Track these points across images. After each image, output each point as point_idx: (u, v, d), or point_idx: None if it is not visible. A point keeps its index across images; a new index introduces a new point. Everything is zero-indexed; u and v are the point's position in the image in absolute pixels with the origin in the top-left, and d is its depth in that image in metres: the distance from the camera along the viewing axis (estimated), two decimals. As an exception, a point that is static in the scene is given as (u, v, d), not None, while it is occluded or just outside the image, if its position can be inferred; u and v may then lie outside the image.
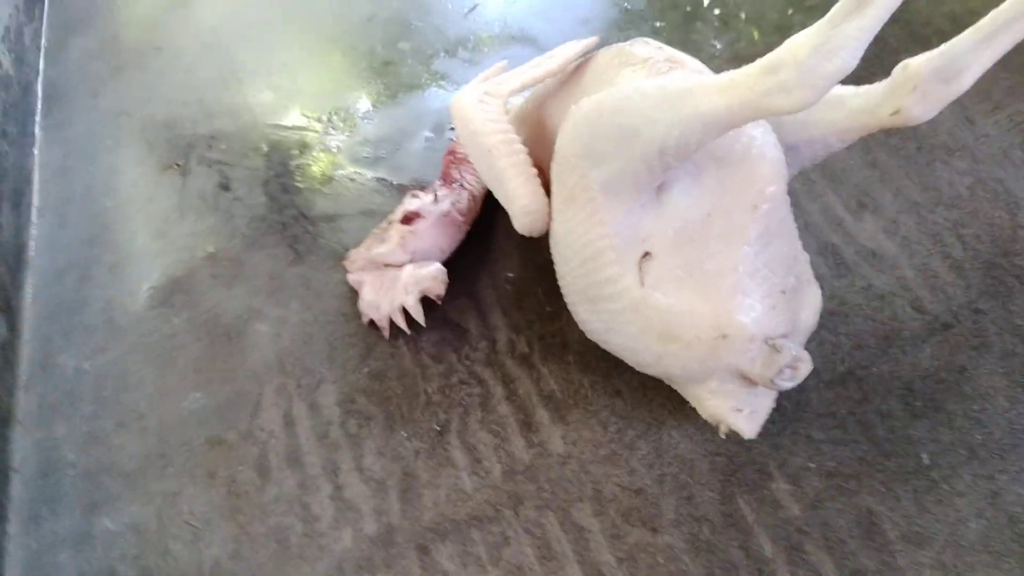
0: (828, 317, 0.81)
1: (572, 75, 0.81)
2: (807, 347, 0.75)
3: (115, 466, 0.85)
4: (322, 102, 1.13)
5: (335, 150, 1.08)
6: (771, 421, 0.73)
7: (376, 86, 1.14)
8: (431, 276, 0.83)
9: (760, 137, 0.65)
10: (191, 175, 1.10)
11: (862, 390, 0.76)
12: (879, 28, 0.49)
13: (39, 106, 1.23)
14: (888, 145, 0.90)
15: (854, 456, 0.73)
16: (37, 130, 1.20)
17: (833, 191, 0.88)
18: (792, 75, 0.52)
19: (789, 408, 0.76)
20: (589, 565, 0.71)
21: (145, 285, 0.98)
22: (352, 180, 1.04)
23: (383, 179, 1.03)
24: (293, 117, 1.13)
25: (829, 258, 0.84)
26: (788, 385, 0.65)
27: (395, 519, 0.76)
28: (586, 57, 0.81)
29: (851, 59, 0.51)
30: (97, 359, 0.94)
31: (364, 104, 1.12)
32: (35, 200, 1.12)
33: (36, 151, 1.17)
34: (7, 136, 1.09)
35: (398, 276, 0.86)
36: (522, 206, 0.76)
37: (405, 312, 0.85)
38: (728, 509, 0.72)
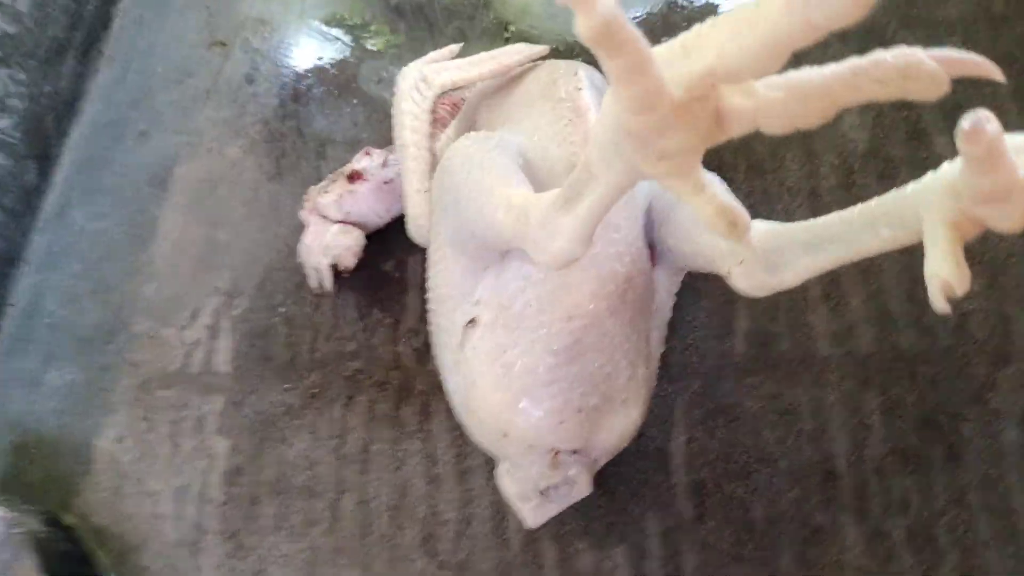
0: (714, 414, 0.76)
1: (509, 84, 0.75)
2: (675, 439, 0.71)
3: (75, 328, 0.98)
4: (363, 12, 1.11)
5: (356, 64, 1.06)
6: (595, 503, 0.70)
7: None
8: (345, 246, 0.85)
9: (599, 246, 0.59)
10: (230, 60, 1.15)
11: (704, 506, 0.73)
12: (596, 221, 0.42)
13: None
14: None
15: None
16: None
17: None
18: (530, 234, 0.47)
19: (618, 497, 0.73)
20: (374, 573, 0.76)
21: (154, 163, 1.07)
22: (357, 104, 1.04)
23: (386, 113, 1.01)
24: (336, 28, 1.11)
25: (753, 348, 0.75)
26: (560, 502, 0.63)
27: (246, 461, 0.84)
28: (529, 65, 0.74)
29: (571, 245, 0.44)
30: (97, 222, 1.06)
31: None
32: (106, 48, 1.21)
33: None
34: None
35: (323, 232, 0.88)
36: (409, 212, 0.74)
37: (320, 272, 0.88)
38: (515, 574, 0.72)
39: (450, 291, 0.67)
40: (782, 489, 0.73)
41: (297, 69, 1.13)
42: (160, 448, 0.90)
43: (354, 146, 1.02)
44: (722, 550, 0.72)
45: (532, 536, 0.75)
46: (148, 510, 0.86)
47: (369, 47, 1.12)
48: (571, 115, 0.66)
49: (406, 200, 0.77)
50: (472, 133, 0.66)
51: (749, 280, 0.51)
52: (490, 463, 0.79)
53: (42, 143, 1.12)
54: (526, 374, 0.61)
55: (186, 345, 0.95)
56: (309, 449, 0.84)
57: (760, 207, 0.84)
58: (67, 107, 1.17)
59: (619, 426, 0.64)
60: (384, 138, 0.97)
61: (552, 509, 0.70)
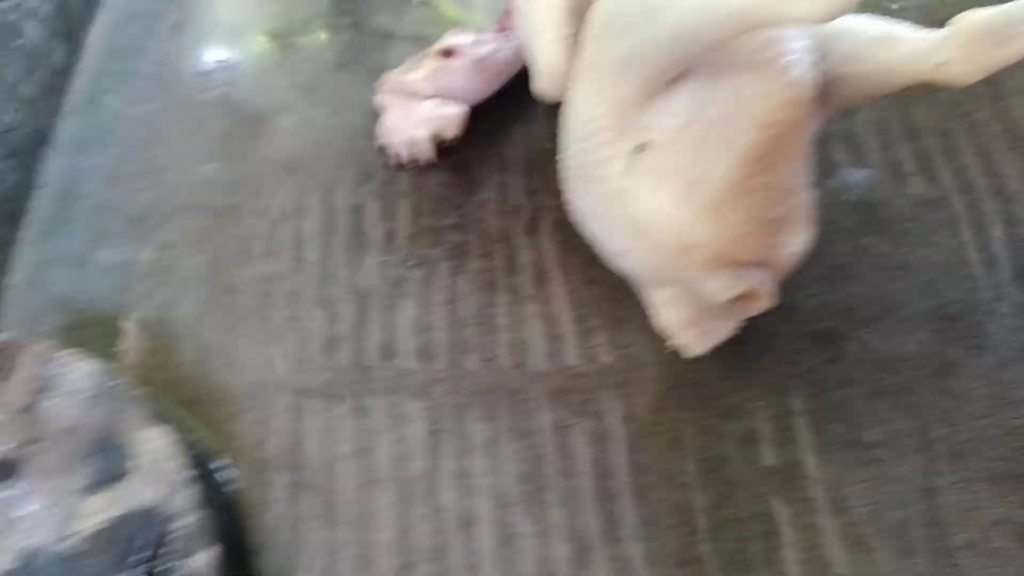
0: (833, 270, 0.78)
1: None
2: (797, 292, 0.73)
3: (125, 208, 0.91)
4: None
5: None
6: (731, 351, 0.74)
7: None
8: (448, 116, 0.84)
9: (793, 53, 0.61)
10: (273, -43, 1.10)
11: (837, 351, 0.75)
12: None
13: None
14: (971, 120, 0.83)
15: (800, 409, 0.72)
16: None
17: (892, 149, 0.82)
18: None
19: (754, 344, 0.75)
20: (501, 426, 0.78)
21: (195, 52, 1.01)
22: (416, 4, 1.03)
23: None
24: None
25: (861, 213, 0.79)
26: (743, 314, 0.64)
27: (349, 329, 0.80)
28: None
29: None
30: (138, 107, 1.01)
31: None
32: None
33: None
34: None
35: (416, 108, 0.86)
36: (543, 63, 0.74)
37: (416, 146, 0.86)
38: (656, 418, 0.75)
39: (609, 121, 0.67)
40: (908, 331, 0.78)
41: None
42: (249, 321, 0.85)
43: (417, 41, 1.02)
44: (861, 384, 0.76)
45: (667, 386, 0.76)
46: (240, 379, 0.81)
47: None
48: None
49: (539, 53, 0.77)
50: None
51: (973, 60, 0.56)
52: (616, 321, 0.80)
53: (69, 24, 1.04)
54: (714, 185, 0.63)
55: (267, 221, 0.91)
56: (420, 315, 0.83)
57: None
58: (90, -7, 1.09)
59: (798, 241, 0.67)
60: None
61: (715, 337, 0.72)
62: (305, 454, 0.78)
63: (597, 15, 0.68)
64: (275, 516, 0.75)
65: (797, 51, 0.62)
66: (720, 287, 0.65)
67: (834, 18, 0.51)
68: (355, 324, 0.84)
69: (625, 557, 0.70)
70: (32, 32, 0.99)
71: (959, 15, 0.56)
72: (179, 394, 0.82)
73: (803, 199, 0.68)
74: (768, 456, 0.73)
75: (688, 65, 0.63)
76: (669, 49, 0.60)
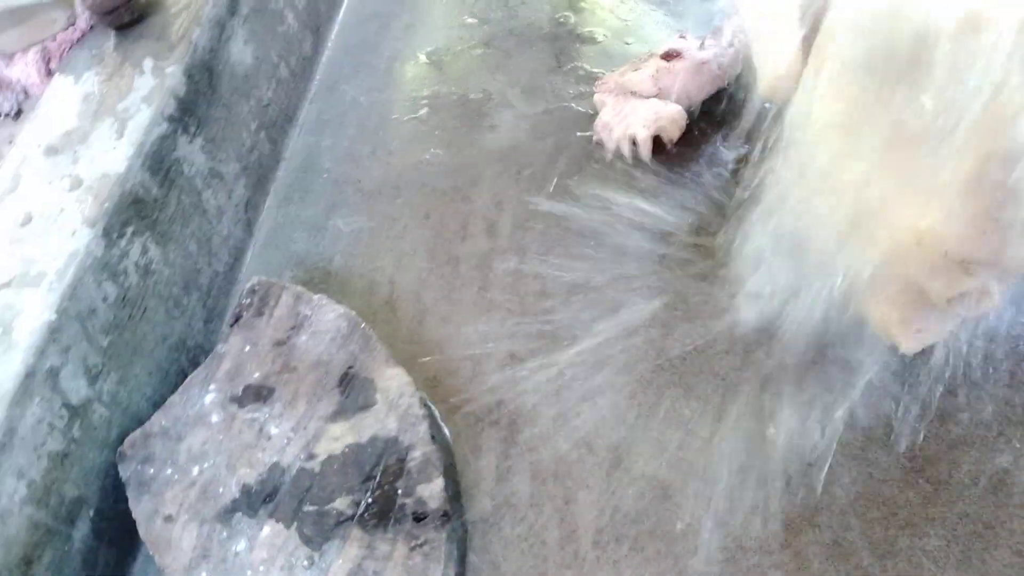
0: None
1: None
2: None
3: (359, 183, 1.01)
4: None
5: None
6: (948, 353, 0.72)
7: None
8: (670, 117, 0.89)
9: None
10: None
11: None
12: None
13: None
14: None
15: (1014, 419, 0.72)
16: None
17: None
18: None
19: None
20: (705, 399, 0.78)
21: (426, 49, 1.11)
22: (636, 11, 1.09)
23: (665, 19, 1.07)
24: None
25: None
26: (965, 313, 0.65)
27: (559, 304, 0.85)
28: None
29: None
30: (371, 96, 1.11)
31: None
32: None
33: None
34: None
35: (639, 106, 0.91)
36: (779, 67, 0.77)
37: (633, 144, 0.90)
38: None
39: (841, 119, 0.69)
40: None
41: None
42: (466, 290, 0.91)
43: (632, 45, 1.07)
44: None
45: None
46: (459, 338, 0.88)
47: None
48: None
49: (774, 57, 0.80)
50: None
51: None
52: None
53: (317, 18, 1.16)
54: (951, 182, 0.63)
55: (484, 204, 0.98)
56: (626, 299, 0.86)
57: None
58: (334, -3, 1.21)
59: (1029, 247, 0.66)
60: (661, 39, 1.02)
61: (929, 337, 0.72)
62: (513, 412, 0.83)
63: (836, 17, 0.71)
64: (486, 465, 0.80)
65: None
66: (947, 284, 0.66)
67: None
68: (563, 299, 0.89)
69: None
70: (292, 21, 1.12)
71: None
72: (401, 349, 0.89)
73: (1039, 199, 0.68)
74: (976, 461, 0.73)
75: (927, 66, 0.65)
76: (911, 49, 0.62)
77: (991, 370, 0.77)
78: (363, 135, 1.08)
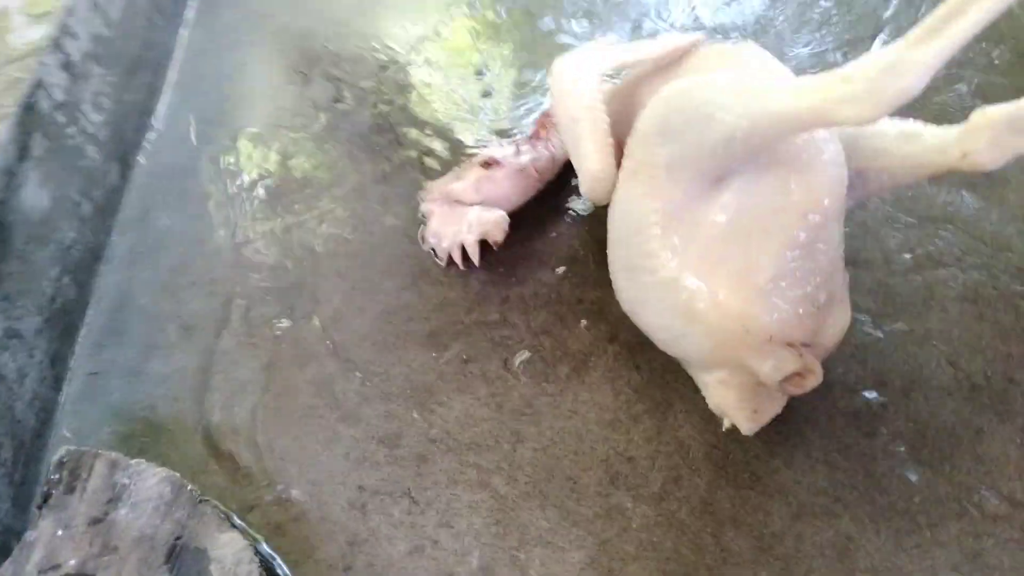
0: (860, 347, 0.83)
1: (672, 63, 0.84)
2: (833, 369, 0.77)
3: (179, 318, 0.94)
4: (451, 52, 1.19)
5: (452, 93, 1.13)
6: (776, 429, 0.76)
7: (513, 38, 1.19)
8: (494, 222, 0.89)
9: (828, 151, 0.67)
10: (311, 84, 1.19)
11: (872, 424, 0.78)
12: (947, 58, 0.51)
13: (196, -8, 1.34)
14: (977, 191, 0.90)
15: (847, 483, 0.75)
16: (190, 13, 1.31)
17: (903, 233, 0.88)
18: (861, 88, 0.55)
19: (797, 421, 0.78)
20: (566, 512, 0.76)
21: (245, 171, 1.07)
22: (455, 120, 1.10)
23: (485, 126, 1.09)
24: (418, 58, 1.19)
25: (879, 295, 0.85)
26: (794, 391, 0.68)
27: (405, 425, 0.82)
28: (690, 50, 0.84)
29: (917, 82, 0.53)
30: (189, 223, 1.05)
31: (494, 60, 1.17)
32: (172, 72, 1.22)
33: (183, 31, 1.27)
34: (163, 11, 1.20)
35: (464, 214, 0.91)
36: (591, 170, 0.80)
37: (463, 249, 0.90)
38: (710, 498, 0.76)
39: (659, 217, 0.73)
40: (938, 402, 0.81)
41: (385, 96, 1.18)
42: (306, 422, 0.87)
43: (455, 155, 1.08)
44: (900, 457, 0.79)
45: (718, 465, 0.79)
46: (303, 479, 0.83)
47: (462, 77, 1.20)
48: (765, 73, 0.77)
49: (585, 159, 0.84)
50: (681, 80, 0.74)
51: (996, 149, 0.62)
52: (663, 405, 0.83)
53: (123, 147, 1.10)
54: (765, 270, 0.68)
55: (320, 325, 0.94)
56: (470, 408, 0.85)
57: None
58: (142, 118, 1.15)
59: (840, 322, 0.72)
60: (481, 147, 1.04)
61: (765, 417, 0.75)
62: (368, 553, 0.78)
63: (645, 123, 0.75)
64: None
65: (831, 151, 0.69)
66: (776, 366, 0.69)
67: (879, 119, 0.57)
68: (410, 421, 0.86)
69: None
70: (94, 153, 1.04)
71: (980, 108, 0.62)
72: (243, 499, 0.82)
73: (842, 282, 0.73)
74: (819, 530, 0.75)
75: (735, 165, 0.69)
76: (720, 152, 0.66)
77: (822, 439, 0.80)
78: (181, 265, 1.01)
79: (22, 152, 0.88)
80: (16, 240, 0.86)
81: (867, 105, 0.56)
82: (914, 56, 0.54)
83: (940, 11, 0.53)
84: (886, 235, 0.92)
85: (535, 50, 1.20)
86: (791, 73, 0.79)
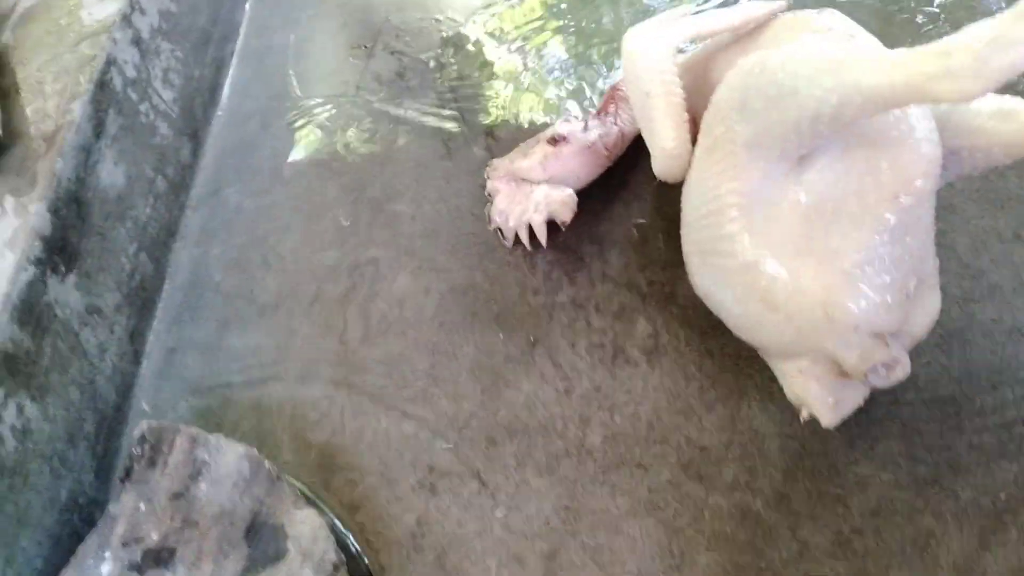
0: (947, 338, 0.79)
1: (749, 34, 0.80)
2: (916, 359, 0.73)
3: (252, 295, 0.96)
4: (517, 24, 1.17)
5: (517, 67, 1.11)
6: (856, 420, 0.73)
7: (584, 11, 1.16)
8: (561, 200, 0.87)
9: (921, 128, 0.63)
10: (374, 59, 1.18)
11: (959, 417, 0.74)
12: None
13: (260, -34, 1.33)
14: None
15: (930, 477, 0.72)
16: (253, -14, 1.31)
17: (991, 215, 0.83)
18: (963, 62, 0.51)
19: (878, 414, 0.75)
20: (636, 500, 0.75)
21: (311, 147, 1.07)
22: (520, 94, 1.07)
23: (550, 100, 1.06)
24: (482, 30, 1.16)
25: (966, 280, 0.80)
26: (880, 384, 0.65)
27: (474, 407, 0.82)
28: (770, 19, 0.80)
29: None
30: (258, 199, 1.05)
31: (562, 32, 1.14)
32: (237, 47, 1.22)
33: (248, 5, 1.27)
34: (227, -14, 1.20)
35: (531, 192, 0.90)
36: (665, 148, 0.78)
37: (530, 228, 0.89)
38: (786, 491, 0.74)
39: (738, 198, 0.70)
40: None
41: (450, 70, 1.16)
42: (376, 402, 0.87)
43: (520, 131, 1.06)
44: (987, 451, 0.75)
45: (793, 457, 0.76)
46: (374, 457, 0.83)
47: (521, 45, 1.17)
48: (849, 36, 0.72)
49: (659, 136, 0.81)
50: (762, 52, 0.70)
51: None
52: (737, 393, 0.81)
53: (193, 123, 1.10)
54: (852, 255, 0.64)
55: (387, 304, 0.94)
56: (538, 391, 0.84)
57: None
58: (211, 94, 1.16)
59: (930, 309, 0.68)
60: (546, 123, 1.02)
61: (846, 408, 0.72)
62: (438, 534, 0.78)
63: (723, 98, 0.71)
64: (414, 594, 0.75)
65: (924, 128, 0.65)
66: (860, 356, 0.66)
67: (982, 96, 0.53)
68: (479, 403, 0.85)
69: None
70: (166, 130, 1.06)
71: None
72: (316, 476, 0.83)
73: (932, 267, 0.69)
74: (899, 526, 0.72)
75: (820, 143, 0.65)
76: (806, 130, 0.63)
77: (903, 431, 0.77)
78: (253, 243, 1.02)
79: (97, 130, 0.89)
80: (95, 217, 0.87)
81: (968, 81, 0.52)
82: (1022, 29, 0.49)
83: None
84: (974, 213, 0.87)
85: (605, 23, 1.16)
86: (880, 43, 0.74)
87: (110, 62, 0.92)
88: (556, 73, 1.14)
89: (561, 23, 1.19)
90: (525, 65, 1.15)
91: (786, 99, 0.63)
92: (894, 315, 0.66)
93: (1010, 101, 0.67)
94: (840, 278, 0.65)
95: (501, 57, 1.17)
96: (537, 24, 1.20)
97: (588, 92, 1.10)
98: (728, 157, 0.71)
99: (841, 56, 0.61)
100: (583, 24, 1.18)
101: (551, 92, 1.12)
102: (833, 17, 0.76)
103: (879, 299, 0.65)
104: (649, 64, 0.83)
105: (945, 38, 0.53)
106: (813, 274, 0.66)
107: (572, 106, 1.10)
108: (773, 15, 0.84)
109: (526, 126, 1.09)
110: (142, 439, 0.78)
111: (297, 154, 1.11)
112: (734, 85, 0.70)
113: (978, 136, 0.68)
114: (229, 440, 0.76)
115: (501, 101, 1.12)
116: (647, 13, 1.16)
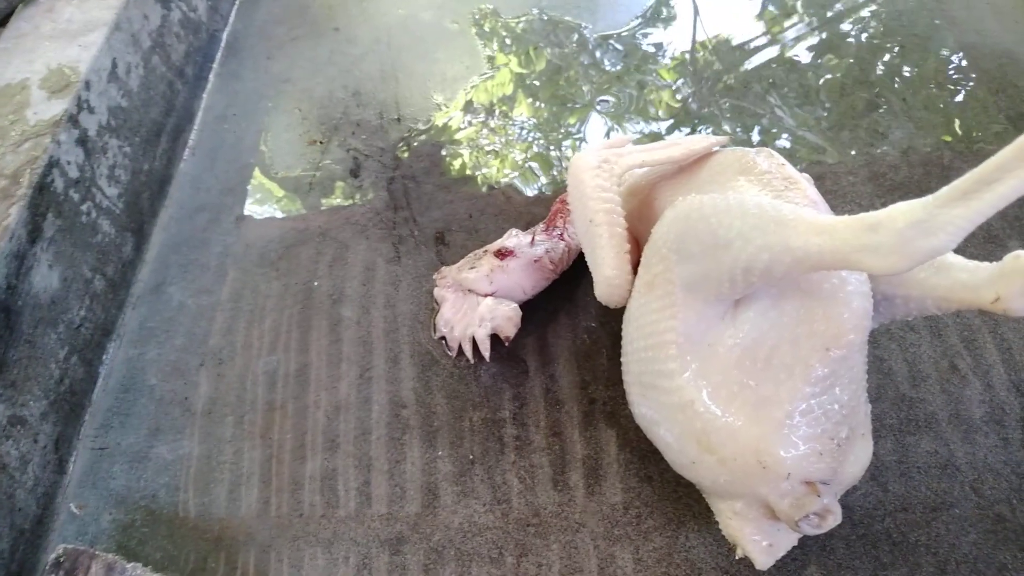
0: (882, 469, 0.79)
1: (691, 165, 0.82)
2: (850, 493, 0.73)
3: (186, 401, 0.92)
4: (474, 126, 1.18)
5: (473, 170, 1.11)
6: (790, 555, 0.72)
7: (540, 112, 1.17)
8: (505, 316, 0.87)
9: (852, 282, 0.64)
10: (328, 154, 1.18)
11: (893, 554, 0.74)
12: (983, 220, 0.48)
13: (219, 55, 1.34)
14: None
15: (864, 618, 0.71)
16: (211, 76, 1.31)
17: (929, 344, 0.85)
18: (888, 240, 0.52)
19: (813, 550, 0.74)
20: None
21: (259, 243, 1.05)
22: (474, 199, 1.08)
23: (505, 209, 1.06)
24: (439, 130, 1.18)
25: (903, 411, 0.81)
26: (811, 531, 0.65)
27: (406, 530, 0.79)
28: (710, 153, 0.82)
29: (949, 242, 0.50)
30: (201, 298, 1.03)
31: (521, 112, 1.16)
32: (191, 140, 1.21)
33: (205, 95, 1.27)
34: (184, 76, 1.21)
35: (477, 305, 0.89)
36: (606, 276, 0.78)
37: (474, 341, 0.88)
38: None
39: (675, 336, 0.70)
40: (960, 533, 0.77)
41: (403, 169, 1.17)
42: (310, 520, 0.84)
43: (472, 233, 1.06)
44: (922, 591, 0.75)
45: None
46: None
47: (463, 139, 1.18)
48: (785, 183, 0.74)
49: (601, 264, 0.81)
50: (700, 195, 0.71)
51: None
52: (675, 522, 0.80)
53: (139, 218, 1.09)
54: (784, 404, 0.65)
55: (325, 415, 0.92)
56: (474, 515, 0.82)
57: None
58: (159, 187, 1.15)
59: (862, 458, 0.68)
60: (500, 228, 1.02)
61: (780, 550, 0.71)
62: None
63: (663, 234, 0.72)
64: None
65: (856, 281, 0.66)
66: (792, 505, 0.65)
67: (905, 272, 0.54)
68: (413, 526, 0.83)
69: None
70: (108, 228, 1.04)
71: (1015, 252, 0.59)
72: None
73: (864, 414, 0.69)
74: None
75: (750, 292, 0.66)
76: (739, 280, 0.63)
77: (838, 570, 0.76)
78: (192, 344, 1.00)
79: (33, 235, 0.88)
80: (24, 326, 0.85)
81: (893, 258, 0.53)
82: (946, 215, 0.51)
83: (974, 174, 0.50)
84: (912, 341, 0.89)
85: (557, 126, 1.18)
86: (812, 185, 0.76)
87: (52, 164, 0.91)
88: (513, 180, 1.15)
89: (520, 125, 1.21)
90: (482, 171, 1.16)
91: (720, 249, 0.64)
92: (825, 464, 0.66)
93: (947, 256, 0.68)
94: (772, 427, 0.65)
95: (459, 158, 1.18)
96: (498, 123, 1.22)
97: (537, 204, 1.11)
98: (667, 295, 0.71)
99: (774, 215, 0.62)
100: (541, 125, 1.20)
101: (505, 197, 1.13)
102: (771, 160, 0.78)
103: (810, 449, 0.65)
104: (594, 193, 0.84)
105: (874, 212, 0.55)
106: (747, 420, 0.66)
107: (535, 167, 1.11)
108: (714, 149, 0.86)
109: (478, 235, 1.09)
110: (56, 564, 0.75)
111: (244, 251, 1.10)
112: (672, 227, 0.71)
113: (912, 287, 0.70)
114: (146, 569, 0.73)
115: (455, 205, 1.13)
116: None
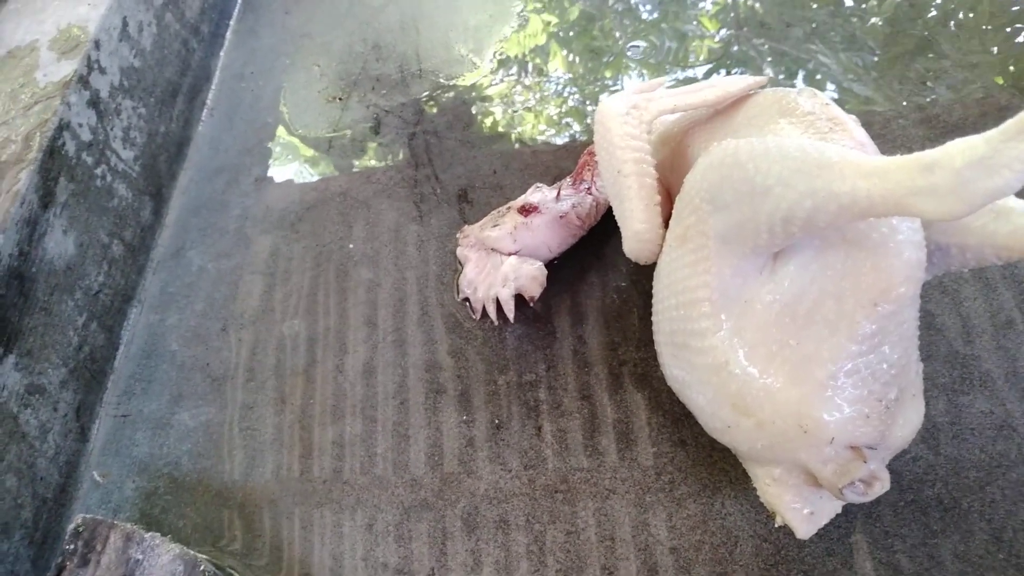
0: (934, 432, 0.74)
1: (727, 109, 0.77)
2: (899, 458, 0.69)
3: (208, 367, 0.90)
4: (496, 80, 1.13)
5: (495, 125, 1.07)
6: (834, 522, 0.68)
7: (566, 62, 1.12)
8: (530, 275, 0.83)
9: (904, 230, 0.59)
10: (348, 111, 1.14)
11: (944, 521, 0.69)
12: None
13: (235, 11, 1.30)
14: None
15: (911, 587, 0.67)
16: (228, 33, 1.28)
17: (984, 298, 0.79)
18: (945, 181, 0.47)
19: (858, 517, 0.70)
20: None
21: (279, 205, 1.03)
22: (497, 155, 1.03)
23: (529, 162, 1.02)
24: (461, 84, 1.13)
25: (956, 369, 0.76)
26: (856, 499, 0.61)
27: (431, 496, 0.77)
28: (747, 95, 0.76)
29: (1015, 181, 0.44)
30: (221, 262, 1.01)
31: (542, 87, 1.11)
32: (208, 100, 1.18)
33: (222, 53, 1.24)
34: (199, 34, 1.17)
35: (500, 264, 0.85)
36: (635, 230, 0.73)
37: (498, 302, 0.84)
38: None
39: (709, 292, 0.65)
40: (1017, 499, 0.72)
41: (424, 124, 1.12)
42: (328, 488, 0.82)
43: (496, 190, 1.02)
44: (974, 560, 0.70)
45: (768, 563, 0.71)
46: (325, 552, 0.78)
47: (491, 94, 1.14)
48: (830, 124, 0.68)
49: (629, 218, 0.76)
50: (737, 140, 0.66)
51: None
52: (710, 488, 0.76)
53: (157, 181, 1.07)
54: (827, 364, 0.60)
55: (347, 380, 0.89)
56: (499, 481, 0.79)
57: None
58: (177, 149, 1.12)
59: (912, 421, 0.63)
60: (525, 184, 0.98)
61: (821, 518, 0.67)
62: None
63: (696, 183, 0.67)
64: None
65: (907, 229, 0.60)
66: (836, 471, 0.61)
67: (966, 216, 0.49)
68: (437, 493, 0.81)
69: None
70: (124, 192, 1.02)
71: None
72: (266, 570, 0.78)
73: (915, 375, 0.64)
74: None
75: (790, 243, 0.61)
76: (779, 230, 0.58)
77: (885, 538, 0.72)
78: (212, 309, 0.98)
79: (45, 200, 0.86)
80: (39, 292, 0.83)
81: (951, 202, 0.48)
82: (1012, 151, 0.45)
83: None
84: (966, 295, 0.83)
85: (593, 80, 1.12)
86: (859, 126, 0.70)
87: (62, 126, 0.89)
88: (536, 134, 1.10)
89: (546, 79, 1.16)
90: (505, 125, 1.12)
91: (758, 197, 0.59)
92: (872, 428, 0.62)
93: (1007, 200, 0.62)
94: (814, 388, 0.61)
95: (480, 113, 1.13)
96: (538, 45, 1.17)
97: (567, 157, 1.06)
98: (700, 249, 0.67)
99: (817, 157, 0.57)
100: (569, 77, 1.15)
101: (530, 151, 1.08)
102: (814, 100, 0.72)
103: (855, 412, 0.61)
104: (622, 142, 0.79)
105: (929, 150, 0.49)
106: (786, 381, 0.62)
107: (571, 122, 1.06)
108: (752, 91, 0.80)
109: (503, 191, 1.05)
110: (76, 533, 0.74)
111: (265, 214, 1.08)
112: (706, 175, 0.66)
113: (969, 235, 0.64)
114: (164, 539, 0.72)
115: (478, 161, 1.08)
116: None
